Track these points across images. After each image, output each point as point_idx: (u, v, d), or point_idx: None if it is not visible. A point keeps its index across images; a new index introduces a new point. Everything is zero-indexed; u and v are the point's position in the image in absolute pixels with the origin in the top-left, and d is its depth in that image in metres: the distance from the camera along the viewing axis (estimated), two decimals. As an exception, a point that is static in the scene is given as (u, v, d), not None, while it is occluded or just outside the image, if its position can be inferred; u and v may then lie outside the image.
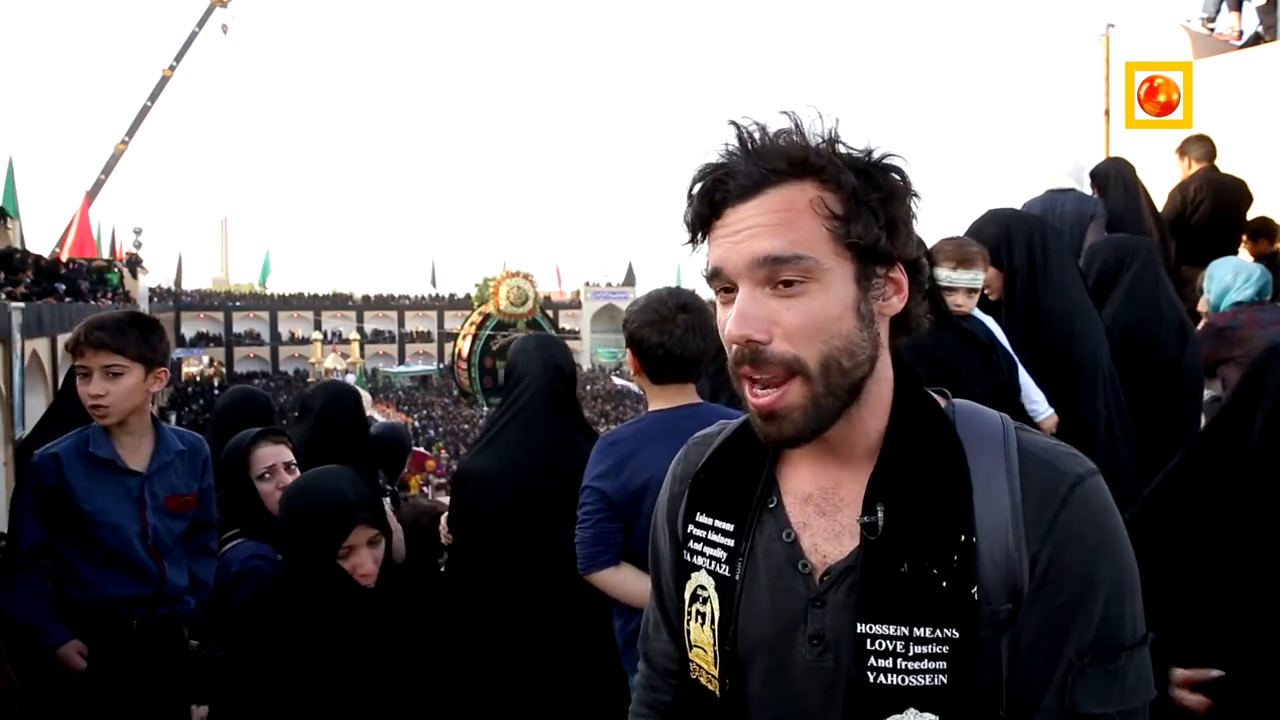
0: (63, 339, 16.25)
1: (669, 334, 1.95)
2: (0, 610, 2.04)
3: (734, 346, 0.86)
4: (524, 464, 2.27)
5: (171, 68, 44.68)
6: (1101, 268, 3.03)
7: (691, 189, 0.90)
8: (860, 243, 0.84)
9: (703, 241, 0.90)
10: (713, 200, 0.88)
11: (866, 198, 0.85)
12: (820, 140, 0.86)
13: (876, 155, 0.87)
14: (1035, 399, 2.54)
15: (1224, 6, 6.71)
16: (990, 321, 2.62)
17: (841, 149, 0.87)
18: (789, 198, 0.85)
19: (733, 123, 0.88)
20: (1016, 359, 2.51)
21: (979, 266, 2.53)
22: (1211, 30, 6.72)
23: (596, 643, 2.14)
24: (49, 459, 2.10)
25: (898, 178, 0.88)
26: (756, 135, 0.87)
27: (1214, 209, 4.56)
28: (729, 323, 0.86)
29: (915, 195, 0.89)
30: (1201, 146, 4.70)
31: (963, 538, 0.83)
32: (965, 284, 2.44)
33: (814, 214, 0.84)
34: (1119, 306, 2.94)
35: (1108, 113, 6.53)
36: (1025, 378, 2.54)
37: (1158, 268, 3.02)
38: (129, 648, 2.11)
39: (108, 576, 2.10)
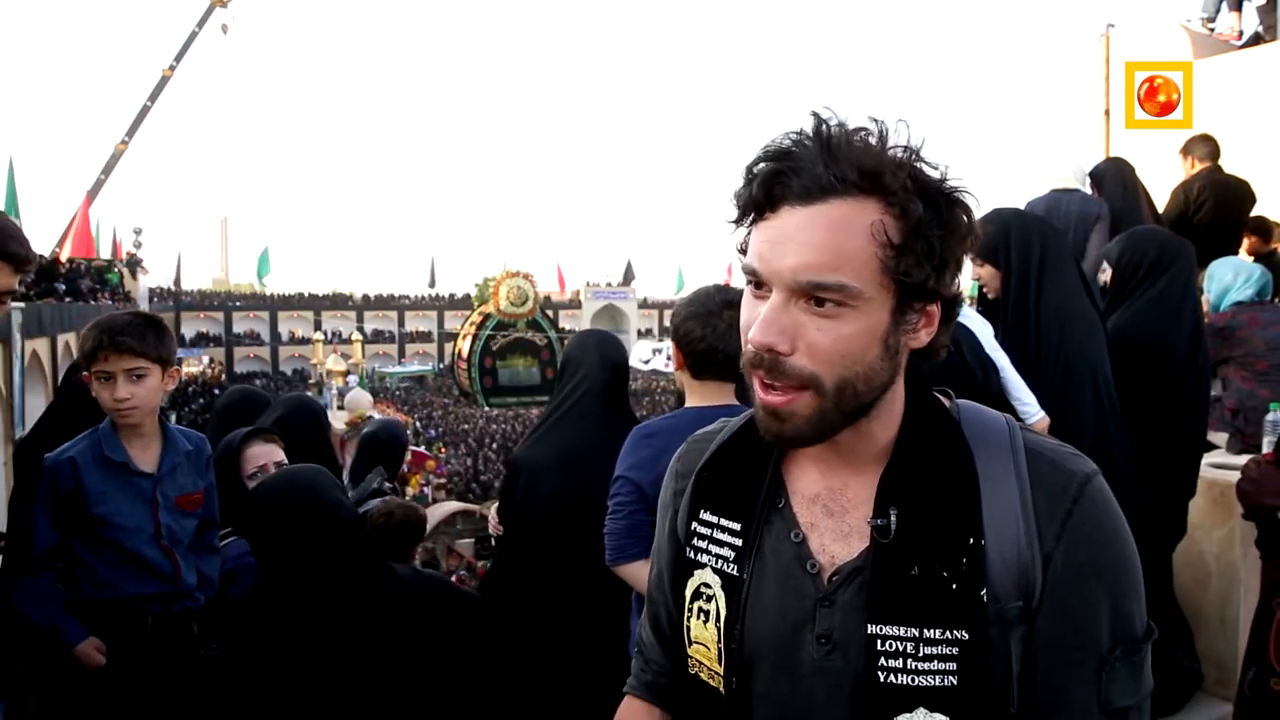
0: (63, 339, 16.28)
1: (713, 328, 1.95)
2: (14, 612, 2.05)
3: (752, 349, 0.85)
4: (579, 456, 2.31)
5: (171, 68, 44.67)
6: (1137, 259, 2.99)
7: (752, 167, 0.85)
8: (907, 280, 0.81)
9: (749, 226, 0.86)
10: (771, 191, 0.83)
11: (928, 232, 0.81)
12: (899, 152, 0.82)
13: (950, 183, 0.83)
14: (1026, 401, 2.52)
15: (1224, 6, 6.72)
16: (978, 322, 2.60)
17: (920, 165, 0.82)
18: (849, 216, 0.80)
19: (814, 113, 0.83)
20: (999, 361, 2.50)
21: None
22: (1211, 30, 6.73)
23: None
24: (64, 463, 2.11)
25: (964, 214, 0.84)
26: (836, 132, 0.82)
27: (1216, 208, 4.56)
28: (754, 327, 0.84)
29: (975, 234, 0.85)
30: (1205, 146, 4.69)
31: (971, 540, 0.84)
32: None
33: (870, 239, 0.80)
34: (1141, 309, 2.92)
35: (1108, 113, 6.54)
36: (1015, 379, 2.52)
37: (1190, 275, 2.99)
38: (145, 644, 2.13)
39: (124, 576, 2.12)
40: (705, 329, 1.96)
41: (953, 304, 0.88)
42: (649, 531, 1.98)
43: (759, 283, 0.85)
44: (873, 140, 0.82)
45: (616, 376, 2.46)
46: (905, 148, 0.82)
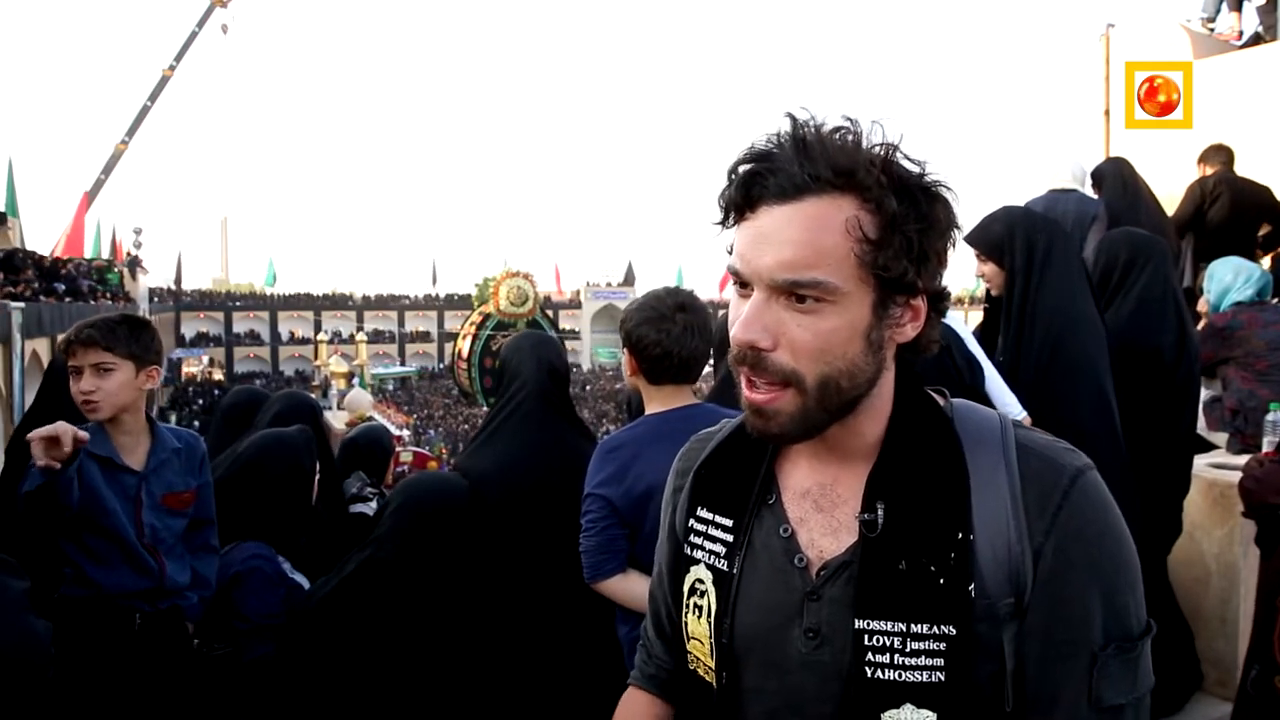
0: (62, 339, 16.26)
1: (667, 332, 1.92)
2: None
3: (736, 347, 0.86)
4: (521, 463, 2.27)
5: (171, 68, 44.78)
6: (1111, 262, 3.01)
7: (733, 170, 0.87)
8: (886, 274, 0.82)
9: (733, 226, 0.89)
10: (749, 192, 0.85)
11: (905, 226, 0.82)
12: (876, 150, 0.83)
13: (929, 179, 0.84)
14: (1007, 402, 2.52)
15: (1224, 6, 6.71)
16: (959, 324, 2.60)
17: (896, 162, 0.83)
18: (825, 212, 0.82)
19: (790, 115, 0.85)
20: (983, 361, 2.49)
21: None
22: (1211, 30, 6.73)
23: (598, 644, 2.14)
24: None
25: (943, 209, 0.85)
26: (811, 133, 0.83)
27: (1232, 204, 4.62)
28: (736, 324, 0.85)
29: (957, 228, 0.87)
30: (1220, 155, 4.83)
31: (960, 535, 0.84)
32: None
33: (846, 235, 0.81)
34: (1125, 311, 2.92)
35: (1108, 113, 6.54)
36: (995, 380, 2.51)
37: (1168, 272, 2.98)
38: (132, 643, 2.11)
39: (106, 571, 2.09)
40: (659, 334, 1.93)
41: (939, 298, 0.89)
42: (624, 545, 1.96)
43: (743, 282, 0.87)
44: (849, 139, 0.84)
45: (555, 379, 2.39)
46: (882, 144, 0.84)
